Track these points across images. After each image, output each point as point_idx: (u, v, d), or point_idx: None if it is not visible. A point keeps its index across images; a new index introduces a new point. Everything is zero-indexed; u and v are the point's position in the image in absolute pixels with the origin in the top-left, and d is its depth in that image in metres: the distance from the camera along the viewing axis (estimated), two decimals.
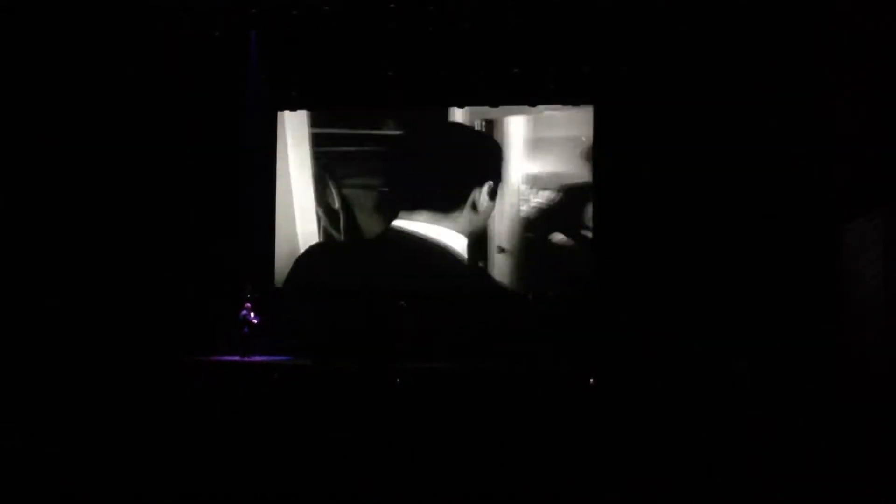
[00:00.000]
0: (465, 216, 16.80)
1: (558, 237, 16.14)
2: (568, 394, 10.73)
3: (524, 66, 16.30)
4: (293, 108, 17.62)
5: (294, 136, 17.58)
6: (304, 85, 17.18)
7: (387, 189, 17.10)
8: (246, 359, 14.80)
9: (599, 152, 16.37)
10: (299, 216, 17.43)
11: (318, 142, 17.49)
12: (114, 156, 15.91)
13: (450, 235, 16.83)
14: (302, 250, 17.37)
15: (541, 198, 16.60)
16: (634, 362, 13.65)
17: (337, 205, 17.30)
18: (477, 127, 16.88)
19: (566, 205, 16.49)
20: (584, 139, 16.39)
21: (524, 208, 16.60)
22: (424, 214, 16.90)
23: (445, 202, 16.86)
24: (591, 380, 11.89)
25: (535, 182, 16.60)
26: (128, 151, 16.02)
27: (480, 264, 16.72)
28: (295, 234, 17.45)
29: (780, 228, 14.29)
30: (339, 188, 17.28)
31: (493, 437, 6.98)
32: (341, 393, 10.66)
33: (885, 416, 9.53)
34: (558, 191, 16.52)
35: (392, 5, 15.49)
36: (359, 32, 16.07)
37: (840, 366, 12.58)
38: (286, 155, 17.52)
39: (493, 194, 16.63)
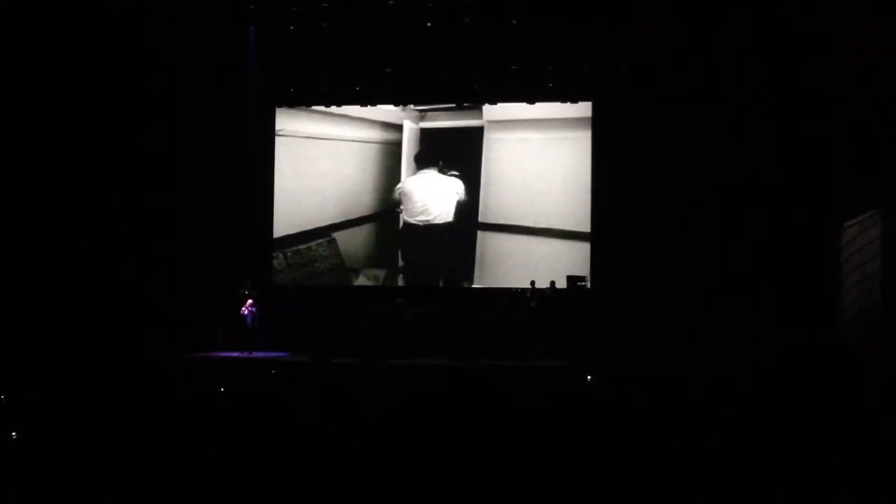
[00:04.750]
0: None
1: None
2: (565, 390, 10.73)
3: (523, 63, 16.33)
4: (291, 105, 17.64)
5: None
6: (301, 81, 17.20)
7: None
8: (245, 355, 14.82)
9: (598, 149, 16.44)
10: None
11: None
12: (111, 152, 15.88)
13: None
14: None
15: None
16: (632, 360, 13.66)
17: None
18: None
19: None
20: None
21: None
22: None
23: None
24: (589, 377, 11.89)
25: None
26: (125, 147, 15.99)
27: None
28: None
29: (779, 226, 14.29)
30: None
31: (490, 433, 6.99)
32: (339, 389, 10.66)
33: (883, 415, 9.54)
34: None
35: (391, 1, 15.48)
36: (357, 28, 16.04)
37: (838, 364, 12.58)
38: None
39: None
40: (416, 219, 17.10)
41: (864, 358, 11.55)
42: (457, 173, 16.99)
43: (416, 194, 17.16)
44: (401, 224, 17.20)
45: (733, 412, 8.32)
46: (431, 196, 17.10)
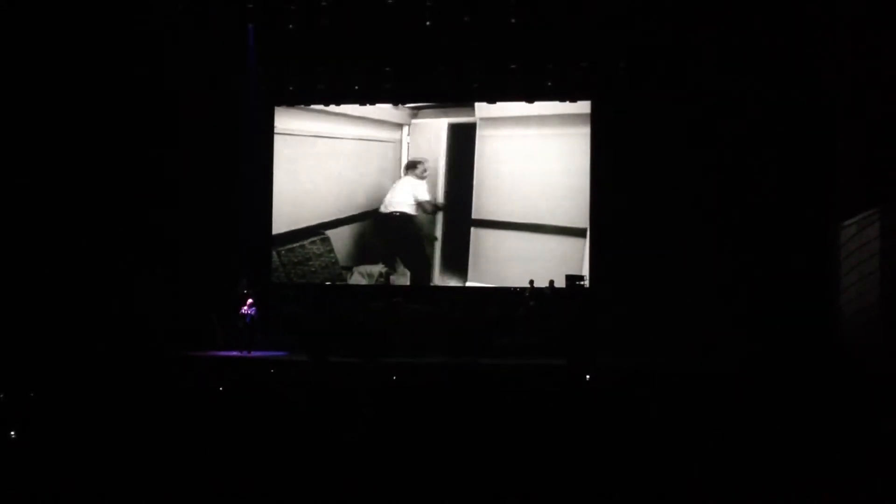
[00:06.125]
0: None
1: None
2: (564, 389, 10.74)
3: (522, 61, 16.33)
4: (290, 104, 17.64)
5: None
6: (300, 80, 17.20)
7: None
8: (244, 354, 14.82)
9: (596, 146, 16.44)
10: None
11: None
12: (110, 151, 15.85)
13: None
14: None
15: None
16: (631, 359, 13.67)
17: None
18: None
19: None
20: None
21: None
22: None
23: None
24: (588, 376, 11.90)
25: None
26: (124, 146, 15.97)
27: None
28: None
29: (778, 224, 14.30)
30: None
31: (488, 432, 7.00)
32: (337, 388, 10.66)
33: (881, 413, 9.55)
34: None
35: (390, 0, 15.46)
36: (356, 27, 16.03)
37: (836, 362, 12.61)
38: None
39: None
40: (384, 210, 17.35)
41: (862, 357, 11.58)
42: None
43: (389, 193, 17.36)
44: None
45: (732, 411, 8.33)
46: (395, 191, 17.32)
